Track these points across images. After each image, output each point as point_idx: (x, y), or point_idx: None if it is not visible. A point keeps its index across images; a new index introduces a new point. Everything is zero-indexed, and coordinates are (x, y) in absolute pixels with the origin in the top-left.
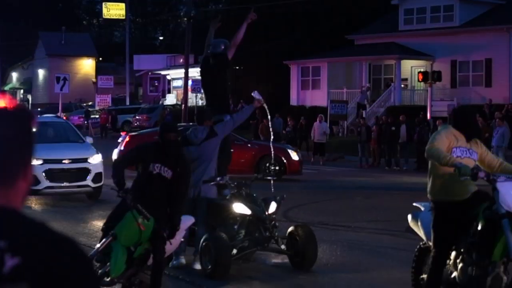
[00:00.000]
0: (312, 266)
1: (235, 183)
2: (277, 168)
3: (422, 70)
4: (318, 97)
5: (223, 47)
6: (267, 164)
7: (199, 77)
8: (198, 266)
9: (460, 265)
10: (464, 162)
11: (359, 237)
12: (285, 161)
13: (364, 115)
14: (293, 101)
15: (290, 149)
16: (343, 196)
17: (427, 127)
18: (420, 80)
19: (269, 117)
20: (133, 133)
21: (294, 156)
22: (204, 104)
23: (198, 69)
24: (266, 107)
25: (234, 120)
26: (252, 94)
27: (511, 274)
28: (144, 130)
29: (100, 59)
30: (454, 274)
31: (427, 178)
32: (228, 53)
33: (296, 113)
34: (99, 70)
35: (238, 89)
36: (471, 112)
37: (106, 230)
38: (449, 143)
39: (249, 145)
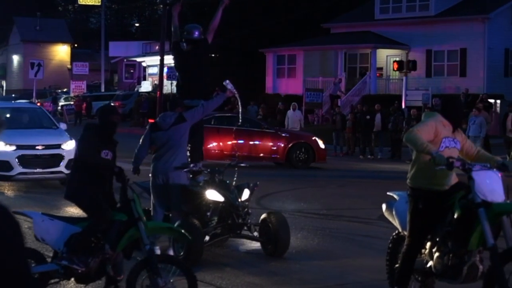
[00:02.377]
0: (284, 253)
1: (209, 170)
2: (306, 156)
3: (397, 59)
4: (293, 86)
5: (197, 33)
6: (298, 152)
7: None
8: (171, 253)
9: (436, 254)
10: (451, 152)
11: (332, 224)
12: (314, 149)
13: (339, 104)
14: (269, 89)
15: (317, 138)
16: (317, 184)
17: (401, 116)
18: (395, 69)
19: (240, 109)
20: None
21: (321, 144)
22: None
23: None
24: (237, 97)
25: (205, 107)
26: (224, 83)
27: (485, 262)
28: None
29: (76, 45)
30: (430, 263)
31: (401, 166)
32: (208, 38)
33: (271, 101)
34: (74, 57)
35: (214, 76)
36: (460, 102)
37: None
38: (436, 131)
39: (279, 133)
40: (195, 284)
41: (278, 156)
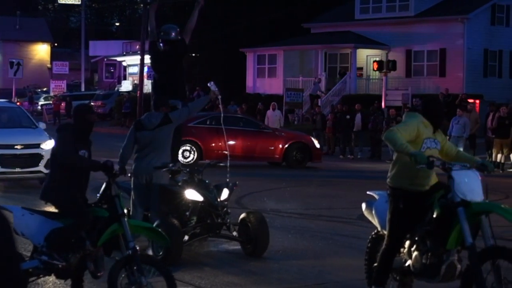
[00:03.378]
0: (263, 253)
1: (188, 170)
2: (302, 156)
3: (377, 59)
4: (274, 85)
5: (174, 34)
6: (294, 152)
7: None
8: (150, 252)
9: (414, 254)
10: (432, 152)
11: (311, 224)
12: (311, 149)
13: (319, 104)
14: (249, 89)
15: (313, 138)
16: (297, 184)
17: (381, 116)
18: (375, 69)
19: (222, 110)
20: None
21: (317, 144)
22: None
23: None
24: (220, 99)
25: (190, 109)
26: (208, 84)
27: (464, 262)
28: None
29: (56, 44)
30: (408, 262)
31: (380, 166)
32: (185, 39)
33: (252, 101)
34: (54, 56)
35: (195, 76)
36: (441, 103)
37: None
38: (418, 132)
39: (276, 133)
40: (174, 285)
41: (276, 156)
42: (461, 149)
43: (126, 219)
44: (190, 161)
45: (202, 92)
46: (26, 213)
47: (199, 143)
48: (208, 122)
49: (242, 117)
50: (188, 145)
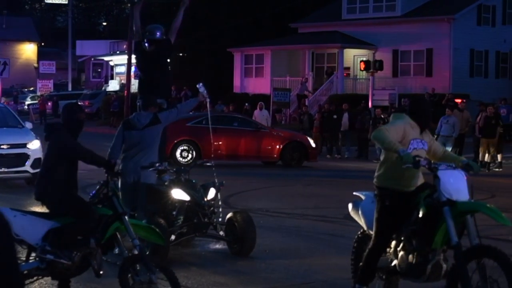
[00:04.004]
0: (250, 252)
1: (174, 169)
2: (299, 155)
3: (364, 59)
4: (261, 85)
5: (159, 34)
6: (291, 151)
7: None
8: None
9: (400, 253)
10: (419, 153)
11: (298, 223)
12: (307, 149)
13: (306, 103)
14: (236, 88)
15: (309, 137)
16: (284, 183)
17: (368, 115)
18: (362, 69)
19: (209, 111)
20: None
21: (313, 143)
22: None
23: None
24: (208, 102)
25: (179, 110)
26: (197, 86)
27: (450, 261)
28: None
29: (43, 44)
30: (395, 262)
31: (367, 165)
32: (171, 38)
33: (239, 101)
34: (41, 55)
35: (182, 75)
36: (428, 103)
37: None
38: (404, 133)
39: (274, 133)
40: (178, 286)
41: (273, 156)
42: (450, 149)
43: (127, 217)
44: (189, 160)
45: (189, 92)
46: (17, 214)
47: (197, 143)
48: (205, 122)
49: (239, 117)
50: (186, 145)
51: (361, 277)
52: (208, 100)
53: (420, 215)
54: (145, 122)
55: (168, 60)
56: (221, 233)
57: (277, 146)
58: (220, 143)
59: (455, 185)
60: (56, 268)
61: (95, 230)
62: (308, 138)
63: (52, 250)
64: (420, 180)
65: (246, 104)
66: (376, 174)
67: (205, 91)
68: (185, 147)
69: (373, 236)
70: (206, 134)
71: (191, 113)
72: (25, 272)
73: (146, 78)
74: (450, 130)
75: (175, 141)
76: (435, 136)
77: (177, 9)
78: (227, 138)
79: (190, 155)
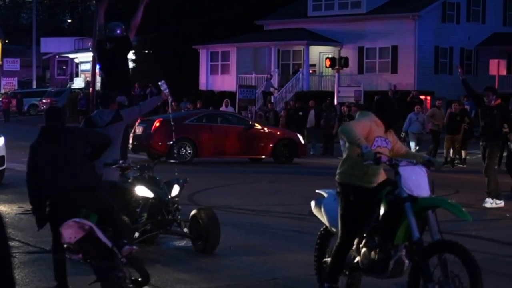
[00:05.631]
0: (214, 249)
1: (138, 166)
2: (289, 152)
3: (330, 56)
4: (227, 82)
5: (119, 31)
6: (282, 148)
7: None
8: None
9: (363, 250)
10: (382, 151)
11: (263, 220)
12: (297, 145)
13: (272, 100)
14: (202, 85)
15: (299, 134)
16: (249, 180)
17: (333, 112)
18: (327, 66)
19: (170, 109)
20: (162, 117)
21: (302, 140)
22: (101, 86)
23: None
24: (170, 100)
25: (141, 107)
26: (159, 83)
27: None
28: (174, 113)
29: (7, 41)
30: (357, 258)
31: (333, 162)
32: (130, 35)
33: (205, 98)
34: (5, 53)
35: (147, 73)
36: (393, 103)
37: None
38: (370, 130)
39: (266, 130)
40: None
41: (265, 153)
42: (417, 147)
43: None
44: (186, 158)
45: (155, 89)
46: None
47: (194, 141)
48: (202, 120)
49: (231, 114)
50: (183, 142)
51: (329, 275)
52: (170, 98)
53: (382, 211)
54: (107, 119)
55: (128, 57)
56: (185, 230)
57: (269, 144)
58: (215, 141)
59: (416, 181)
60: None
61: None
62: (298, 135)
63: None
64: (382, 177)
65: (210, 108)
66: (338, 171)
67: (167, 89)
68: (182, 145)
69: (339, 233)
70: (202, 132)
71: (184, 110)
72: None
73: (107, 76)
74: (420, 128)
75: (174, 139)
76: (403, 134)
77: (136, 6)
78: (220, 136)
79: (187, 153)
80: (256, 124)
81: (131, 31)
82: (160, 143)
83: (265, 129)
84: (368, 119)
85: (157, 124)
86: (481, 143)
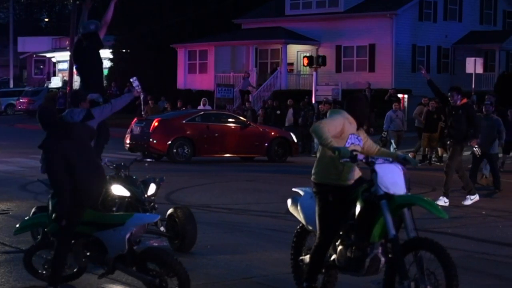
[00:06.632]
0: (191, 248)
1: (114, 165)
2: (283, 150)
3: (307, 54)
4: (205, 81)
5: (93, 27)
6: (276, 147)
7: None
8: None
9: (339, 248)
10: (355, 148)
11: (240, 219)
12: (291, 144)
13: (250, 99)
14: (180, 84)
15: (292, 133)
16: (227, 179)
17: (311, 111)
18: (305, 64)
19: (142, 106)
20: (161, 117)
21: (295, 138)
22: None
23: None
24: (142, 97)
25: (113, 105)
26: (131, 80)
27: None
28: (171, 113)
29: None
30: (334, 256)
31: (310, 160)
32: (100, 33)
33: (183, 97)
34: None
35: (125, 71)
36: (365, 101)
37: None
38: (343, 128)
39: (260, 129)
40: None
41: (260, 152)
42: (396, 148)
43: None
44: (184, 157)
45: (131, 87)
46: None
47: (192, 140)
48: (199, 119)
49: (227, 114)
50: (181, 141)
51: (308, 274)
52: (142, 94)
53: (358, 209)
54: (78, 118)
55: (101, 56)
56: (162, 229)
57: (264, 142)
58: (211, 140)
59: (392, 178)
60: None
61: None
62: (291, 134)
63: None
64: (357, 173)
65: (188, 106)
66: (313, 171)
67: (139, 86)
68: (180, 144)
69: (318, 233)
70: (200, 131)
71: (183, 109)
72: None
73: (81, 74)
74: (399, 125)
75: (173, 138)
76: (385, 133)
77: (122, 6)
78: (216, 134)
79: (185, 152)
80: (251, 124)
81: (102, 29)
82: (159, 143)
83: (260, 128)
84: (341, 116)
85: (156, 124)
86: (448, 142)
